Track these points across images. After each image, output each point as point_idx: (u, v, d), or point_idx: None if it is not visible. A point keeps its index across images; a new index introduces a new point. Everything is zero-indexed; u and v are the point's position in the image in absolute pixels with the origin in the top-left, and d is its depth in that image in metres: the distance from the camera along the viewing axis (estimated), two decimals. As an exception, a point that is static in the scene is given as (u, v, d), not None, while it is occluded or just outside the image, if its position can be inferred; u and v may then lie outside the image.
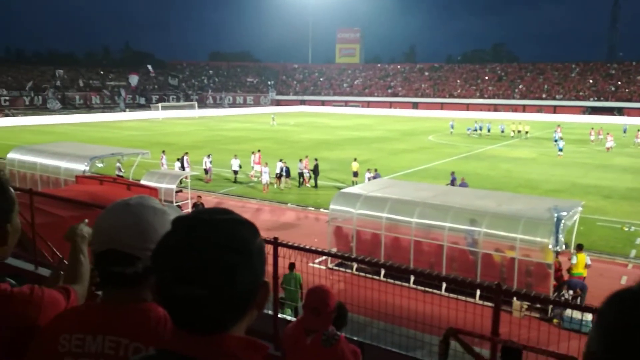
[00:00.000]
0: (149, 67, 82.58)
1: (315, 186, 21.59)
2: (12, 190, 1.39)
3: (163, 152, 23.77)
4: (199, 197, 16.57)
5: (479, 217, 11.45)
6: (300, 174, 22.03)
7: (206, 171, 22.69)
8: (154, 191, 15.60)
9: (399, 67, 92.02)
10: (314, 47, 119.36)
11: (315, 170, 21.72)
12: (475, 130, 43.26)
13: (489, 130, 42.71)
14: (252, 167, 22.91)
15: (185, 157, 22.77)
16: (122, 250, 1.19)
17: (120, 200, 1.26)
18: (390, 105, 77.46)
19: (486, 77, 79.58)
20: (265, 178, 20.79)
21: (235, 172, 22.66)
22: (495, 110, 69.53)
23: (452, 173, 20.17)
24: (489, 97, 74.59)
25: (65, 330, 1.21)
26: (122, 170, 20.99)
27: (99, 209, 6.92)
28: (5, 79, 69.82)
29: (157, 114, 59.16)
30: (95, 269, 1.27)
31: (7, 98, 64.72)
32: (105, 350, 1.18)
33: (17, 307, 1.32)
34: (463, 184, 18.73)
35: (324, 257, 10.71)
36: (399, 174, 23.31)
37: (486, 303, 7.31)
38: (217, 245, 0.85)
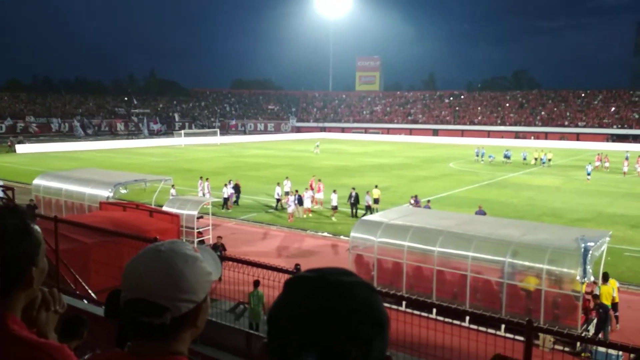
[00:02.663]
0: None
1: (355, 215, 21.09)
2: (38, 231, 1.37)
3: (202, 178, 24.01)
4: (219, 237, 15.32)
5: (503, 247, 11.23)
6: (354, 204, 21.46)
7: (225, 200, 22.79)
8: (175, 217, 15.74)
9: (418, 94, 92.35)
10: (334, 75, 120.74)
11: (357, 199, 21.41)
12: (477, 155, 43.60)
13: (489, 157, 42.53)
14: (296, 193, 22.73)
15: (228, 184, 23.16)
16: (151, 299, 1.15)
17: (152, 245, 1.23)
18: (410, 132, 77.54)
19: (507, 104, 79.28)
20: (292, 207, 20.53)
21: (278, 200, 22.53)
22: (517, 137, 69.01)
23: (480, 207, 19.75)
24: (510, 125, 74.15)
25: None
26: (174, 195, 20.97)
27: (122, 237, 6.92)
28: (33, 107, 71.89)
29: (180, 141, 60.08)
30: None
31: (35, 125, 66.51)
32: None
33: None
34: (480, 212, 18.34)
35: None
36: (422, 200, 23.15)
37: (509, 335, 7.10)
38: (352, 314, 0.80)
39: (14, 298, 1.33)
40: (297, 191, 21.40)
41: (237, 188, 23.25)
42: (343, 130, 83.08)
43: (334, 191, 21.35)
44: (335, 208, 21.14)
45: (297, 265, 3.81)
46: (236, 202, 23.06)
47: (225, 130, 76.65)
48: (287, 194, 22.02)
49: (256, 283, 9.27)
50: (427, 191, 26.26)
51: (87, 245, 10.19)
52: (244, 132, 79.26)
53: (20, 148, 49.05)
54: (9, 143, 51.54)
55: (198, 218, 17.53)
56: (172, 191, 22.03)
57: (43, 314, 1.45)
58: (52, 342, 1.30)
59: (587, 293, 10.61)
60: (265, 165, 38.31)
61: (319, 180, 24.13)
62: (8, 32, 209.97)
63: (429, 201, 20.48)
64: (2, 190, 16.66)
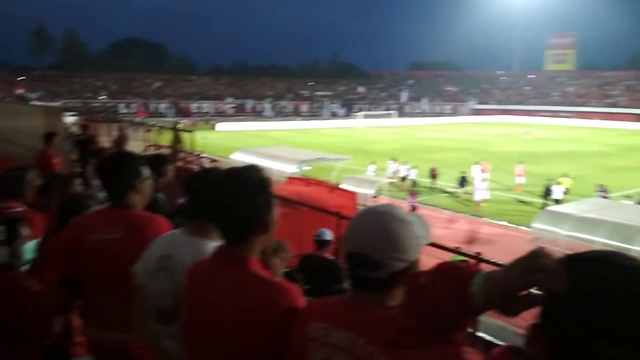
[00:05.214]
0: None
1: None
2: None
3: (394, 159, 24.71)
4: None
5: None
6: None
7: (403, 178, 23.06)
8: (352, 195, 16.39)
9: (620, 74, 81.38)
10: (520, 54, 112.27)
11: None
12: None
13: None
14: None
15: (390, 163, 23.53)
16: (368, 254, 1.27)
17: (370, 207, 1.37)
18: (608, 116, 68.90)
19: None
20: (482, 194, 19.45)
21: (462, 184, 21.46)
22: None
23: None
24: None
25: (315, 319, 1.38)
26: (373, 173, 22.38)
27: (309, 208, 7.48)
28: (231, 90, 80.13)
29: (358, 123, 61.78)
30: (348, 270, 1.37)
31: (233, 106, 74.14)
32: (343, 344, 1.29)
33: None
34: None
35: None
36: (615, 194, 20.63)
37: None
38: None
39: (253, 242, 1.59)
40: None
41: (432, 173, 22.93)
42: (528, 113, 77.15)
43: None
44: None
45: (477, 253, 3.77)
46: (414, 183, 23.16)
47: (402, 113, 76.71)
48: (475, 179, 21.08)
49: None
50: (625, 183, 23.23)
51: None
52: (421, 115, 78.33)
53: (219, 126, 55.18)
54: (211, 122, 58.32)
55: (373, 197, 18.02)
56: (372, 167, 23.32)
57: (273, 259, 1.71)
58: (286, 282, 1.53)
59: None
60: (440, 148, 37.54)
61: (521, 163, 22.98)
62: (211, 23, 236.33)
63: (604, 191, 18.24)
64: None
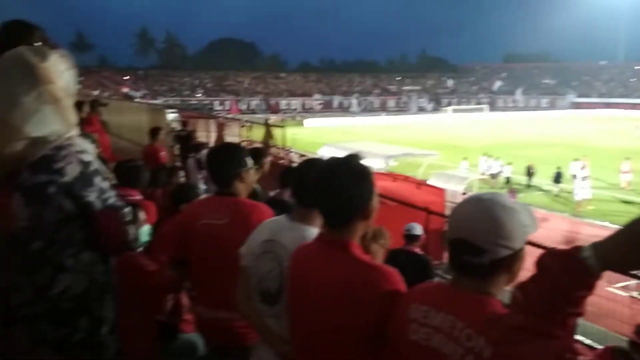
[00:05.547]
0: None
1: None
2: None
3: (488, 155, 24.03)
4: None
5: None
6: None
7: (494, 175, 22.25)
8: (440, 191, 16.09)
9: None
10: (627, 43, 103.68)
11: None
12: None
13: None
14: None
15: (483, 159, 22.86)
16: (470, 240, 1.30)
17: (475, 194, 1.41)
18: None
19: None
20: (585, 193, 18.15)
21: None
22: None
23: None
24: None
25: (417, 301, 1.43)
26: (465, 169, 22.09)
27: (392, 202, 7.47)
28: (319, 86, 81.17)
29: (447, 117, 60.31)
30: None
31: (320, 102, 75.12)
32: (443, 325, 1.34)
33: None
34: None
35: (632, 282, 9.33)
36: None
37: None
38: None
39: (354, 227, 1.67)
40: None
41: (528, 171, 21.94)
42: (634, 106, 71.07)
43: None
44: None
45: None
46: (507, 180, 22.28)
47: (494, 107, 73.82)
48: (575, 177, 19.48)
49: None
50: None
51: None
52: (515, 109, 74.86)
53: (307, 122, 56.15)
54: (298, 118, 59.50)
55: (462, 194, 17.57)
56: (464, 164, 22.83)
57: (373, 245, 1.78)
58: (388, 266, 1.60)
59: None
60: (536, 144, 35.71)
61: (628, 159, 21.52)
62: (300, 21, 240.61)
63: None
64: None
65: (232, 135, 14.33)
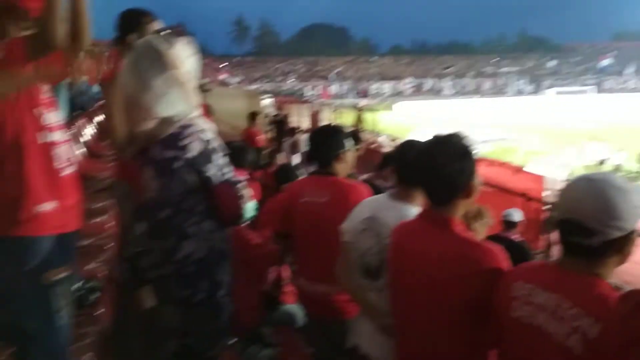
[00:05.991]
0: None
1: None
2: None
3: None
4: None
5: None
6: None
7: (601, 162, 20.77)
8: (538, 178, 15.29)
9: None
10: None
11: None
12: None
13: None
14: None
15: (589, 144, 21.40)
16: (581, 221, 1.29)
17: (585, 174, 1.39)
18: None
19: None
20: None
21: None
22: None
23: None
24: None
25: (521, 279, 1.45)
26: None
27: (488, 188, 7.27)
28: (410, 69, 79.68)
29: (548, 100, 56.89)
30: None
31: (411, 85, 73.78)
32: (548, 304, 1.34)
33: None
34: None
35: None
36: None
37: None
38: None
39: (457, 205, 1.70)
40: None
41: None
42: None
43: None
44: None
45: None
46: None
47: (602, 89, 68.42)
48: None
49: None
50: None
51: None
52: (626, 91, 68.92)
53: (397, 106, 55.41)
54: (388, 102, 58.87)
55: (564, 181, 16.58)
56: (569, 149, 21.62)
57: (474, 224, 1.80)
58: (491, 244, 1.62)
59: None
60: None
61: None
62: (391, 3, 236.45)
63: None
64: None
65: (323, 121, 14.56)
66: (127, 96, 1.86)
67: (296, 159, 8.85)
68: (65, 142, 1.80)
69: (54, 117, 1.77)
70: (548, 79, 75.35)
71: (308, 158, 2.92)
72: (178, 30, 1.96)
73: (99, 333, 2.53)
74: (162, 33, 1.97)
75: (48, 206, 1.70)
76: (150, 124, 1.85)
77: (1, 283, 1.69)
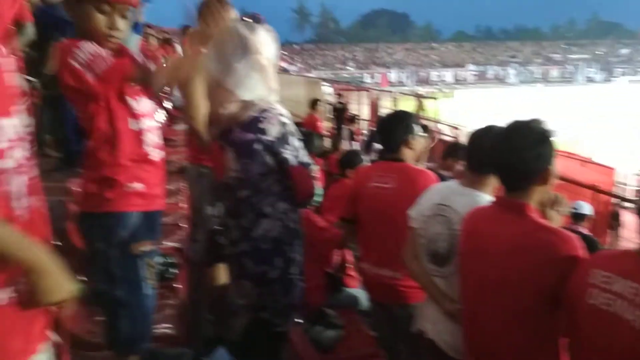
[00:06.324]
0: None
1: None
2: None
3: None
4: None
5: None
6: None
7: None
8: (609, 170, 14.58)
9: None
10: None
11: None
12: None
13: None
14: None
15: None
16: None
17: None
18: None
19: None
20: None
21: None
22: None
23: None
24: None
25: (598, 267, 1.43)
26: None
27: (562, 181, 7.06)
28: (473, 55, 77.41)
29: (621, 89, 53.75)
30: None
31: (474, 73, 71.72)
32: (626, 292, 1.33)
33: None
34: None
35: None
36: None
37: None
38: None
39: (532, 192, 1.68)
40: None
41: None
42: None
43: None
44: None
45: None
46: None
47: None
48: None
49: None
50: None
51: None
52: None
53: (458, 94, 54.03)
54: (449, 90, 57.50)
55: (638, 175, 15.71)
56: None
57: (550, 211, 1.78)
58: (568, 231, 1.60)
59: None
60: None
61: None
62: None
63: None
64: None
65: (383, 108, 14.45)
66: (211, 79, 1.96)
67: (355, 147, 8.88)
68: (154, 128, 1.93)
69: (144, 105, 1.90)
70: (621, 67, 71.21)
71: (367, 145, 2.96)
72: (257, 19, 2.03)
73: (176, 306, 2.70)
74: (244, 19, 2.05)
75: (137, 186, 1.84)
76: (232, 107, 1.94)
77: (96, 254, 1.85)
